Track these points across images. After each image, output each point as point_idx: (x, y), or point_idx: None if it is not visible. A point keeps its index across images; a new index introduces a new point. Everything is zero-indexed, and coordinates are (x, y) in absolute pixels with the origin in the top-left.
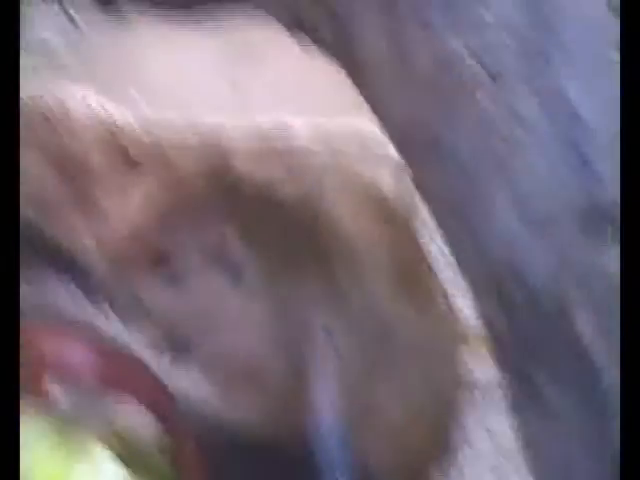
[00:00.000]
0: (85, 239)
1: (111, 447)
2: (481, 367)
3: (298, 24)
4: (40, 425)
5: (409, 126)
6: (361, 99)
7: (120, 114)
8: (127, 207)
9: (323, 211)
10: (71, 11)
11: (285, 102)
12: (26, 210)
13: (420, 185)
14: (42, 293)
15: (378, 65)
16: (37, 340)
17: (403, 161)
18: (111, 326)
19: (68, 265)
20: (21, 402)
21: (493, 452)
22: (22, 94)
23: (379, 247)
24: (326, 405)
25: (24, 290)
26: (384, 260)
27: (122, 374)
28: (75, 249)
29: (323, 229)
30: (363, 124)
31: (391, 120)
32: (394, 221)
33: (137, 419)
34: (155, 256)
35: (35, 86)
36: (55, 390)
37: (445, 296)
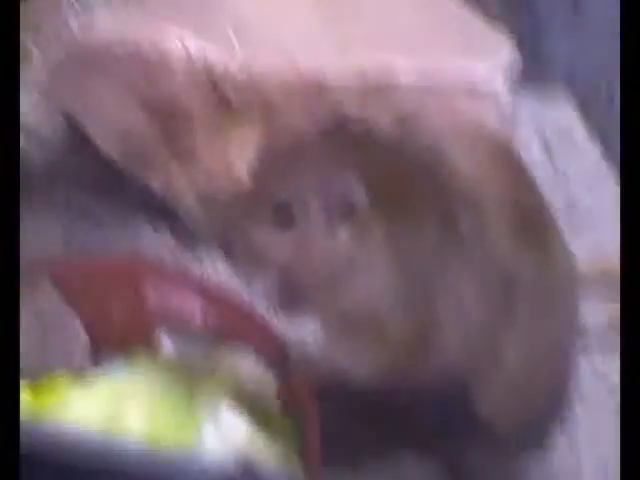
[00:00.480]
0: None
1: (232, 398)
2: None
3: None
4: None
5: None
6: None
7: (218, 56)
8: (230, 153)
9: (440, 152)
10: None
11: (386, 41)
12: (119, 156)
13: None
14: (137, 241)
15: None
16: (143, 288)
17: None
18: (221, 275)
19: (164, 213)
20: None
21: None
22: (115, 35)
23: (499, 191)
24: (447, 356)
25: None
26: (504, 204)
27: (234, 322)
28: (175, 197)
29: (442, 171)
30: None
31: None
32: (511, 165)
33: (251, 367)
34: (267, 204)
35: (128, 27)
36: (166, 342)
37: (563, 244)
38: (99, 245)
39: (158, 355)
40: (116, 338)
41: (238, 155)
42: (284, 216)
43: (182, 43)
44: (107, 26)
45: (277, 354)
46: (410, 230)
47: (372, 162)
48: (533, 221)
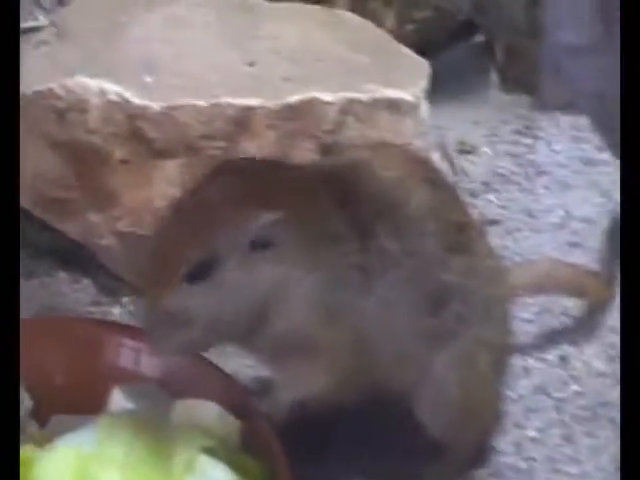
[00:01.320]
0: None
1: (204, 448)
2: None
3: None
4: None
5: None
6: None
7: (135, 96)
8: (152, 191)
9: (357, 164)
10: None
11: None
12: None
13: None
14: (57, 294)
15: None
16: (92, 347)
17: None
18: None
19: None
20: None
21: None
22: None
23: (420, 198)
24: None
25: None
26: (427, 211)
27: (186, 373)
28: (94, 242)
29: (360, 184)
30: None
31: None
32: (429, 174)
33: (214, 414)
34: (180, 267)
35: (38, 76)
36: (120, 400)
37: (489, 248)
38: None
39: (116, 414)
40: (63, 399)
41: (160, 193)
42: (201, 271)
43: (98, 86)
44: None
45: (234, 398)
46: (330, 248)
47: (287, 194)
48: (458, 226)
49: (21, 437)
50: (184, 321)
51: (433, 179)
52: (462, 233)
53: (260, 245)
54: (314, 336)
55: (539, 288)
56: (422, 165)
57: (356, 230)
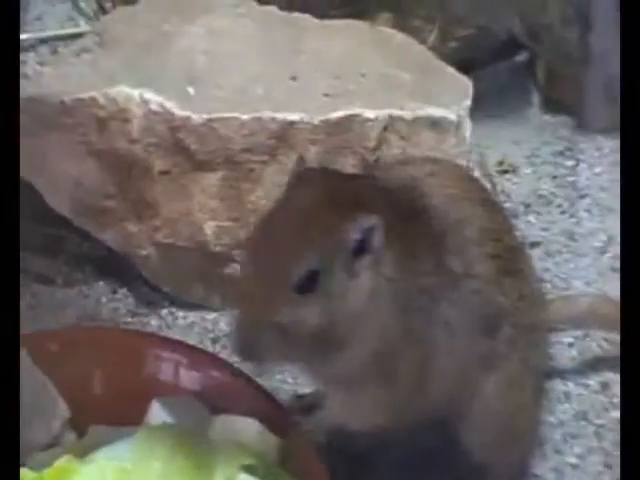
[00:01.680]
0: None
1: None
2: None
3: None
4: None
5: None
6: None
7: (177, 107)
8: (191, 202)
9: (417, 189)
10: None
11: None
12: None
13: None
14: (96, 303)
15: None
16: (133, 359)
17: None
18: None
19: (122, 271)
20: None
21: None
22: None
23: (475, 221)
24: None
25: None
26: (483, 234)
27: (227, 388)
28: (133, 252)
29: (425, 209)
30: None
31: None
32: (480, 194)
33: (253, 430)
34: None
35: (81, 84)
36: (160, 413)
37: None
38: (53, 310)
39: (155, 428)
40: (101, 410)
41: (200, 205)
42: (310, 281)
43: (140, 96)
44: (57, 83)
45: (274, 415)
46: (410, 265)
47: (378, 200)
48: (511, 248)
49: (58, 447)
50: (295, 333)
51: (487, 200)
52: (514, 256)
53: (360, 250)
54: (390, 359)
55: (580, 322)
56: (477, 185)
57: (426, 248)
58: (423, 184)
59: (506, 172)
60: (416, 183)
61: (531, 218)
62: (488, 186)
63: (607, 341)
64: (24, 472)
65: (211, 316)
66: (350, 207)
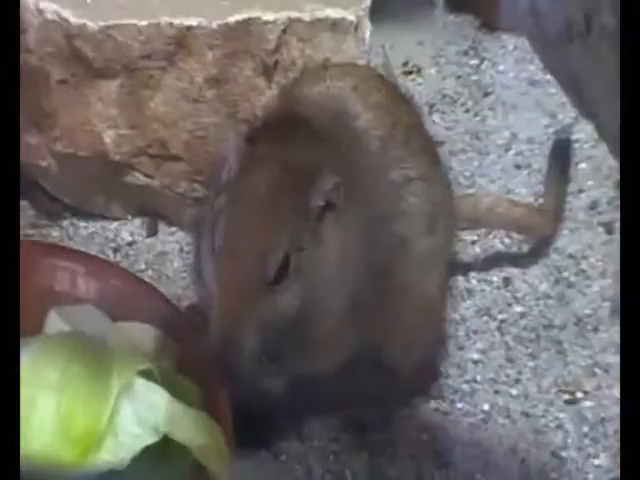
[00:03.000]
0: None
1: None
2: None
3: None
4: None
5: None
6: None
7: (73, 15)
8: (90, 110)
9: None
10: None
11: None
12: None
13: None
14: None
15: None
16: (38, 266)
17: None
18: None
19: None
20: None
21: None
22: None
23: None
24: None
25: None
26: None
27: (125, 294)
28: (34, 163)
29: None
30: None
31: None
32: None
33: (150, 337)
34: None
35: None
36: (57, 322)
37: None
38: None
39: (52, 336)
40: None
41: (99, 113)
42: (282, 271)
43: (35, 5)
44: None
45: (174, 320)
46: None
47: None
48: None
49: None
50: (273, 328)
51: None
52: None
53: (324, 210)
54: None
55: (481, 222)
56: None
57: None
58: (349, 100)
59: (410, 73)
60: (342, 101)
61: (435, 118)
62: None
63: (510, 238)
64: None
65: (112, 225)
66: (305, 176)
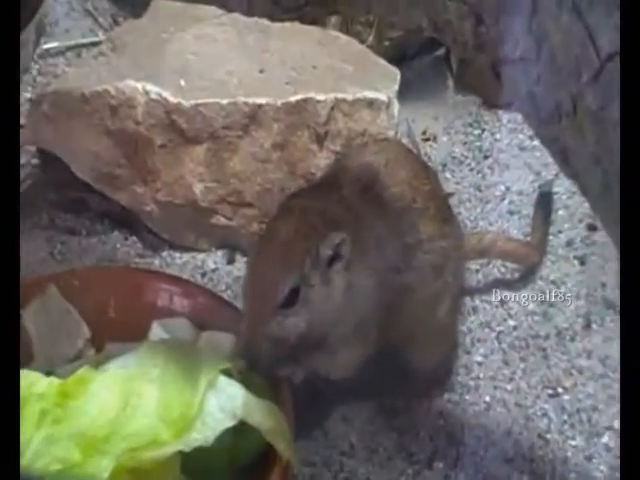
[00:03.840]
0: (149, 205)
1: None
2: None
3: None
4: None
5: None
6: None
7: (171, 95)
8: (183, 168)
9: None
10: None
11: (307, 81)
12: (92, 179)
13: None
14: (111, 249)
15: None
16: (138, 290)
17: None
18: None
19: (131, 223)
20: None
21: None
22: (87, 90)
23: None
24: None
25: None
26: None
27: (211, 310)
28: (139, 208)
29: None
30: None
31: None
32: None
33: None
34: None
35: (97, 79)
36: (158, 331)
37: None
38: (78, 255)
39: (154, 342)
40: (115, 330)
41: (190, 170)
42: (292, 296)
43: (143, 88)
44: (79, 80)
45: None
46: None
47: (343, 217)
48: (442, 203)
49: (80, 360)
50: (283, 342)
51: (425, 167)
52: (445, 207)
53: (332, 260)
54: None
55: (484, 254)
56: (418, 160)
57: (386, 235)
58: (380, 175)
59: (428, 140)
60: (374, 175)
61: (447, 175)
62: (415, 151)
63: (505, 267)
64: (52, 380)
65: (200, 256)
66: (321, 227)
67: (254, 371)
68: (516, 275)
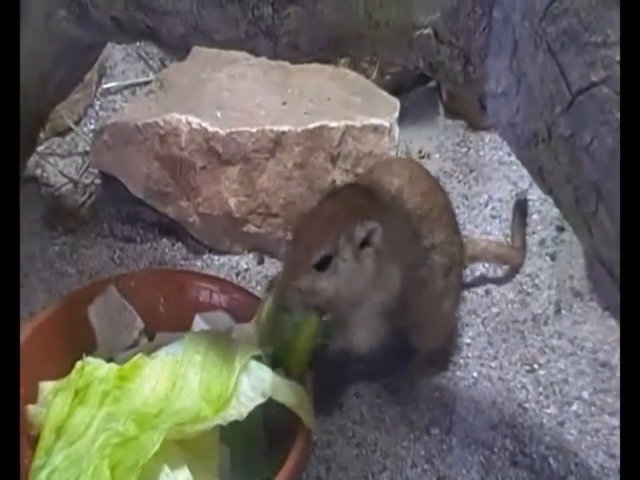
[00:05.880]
0: (192, 216)
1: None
2: None
3: None
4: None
5: None
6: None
7: (210, 125)
8: (220, 187)
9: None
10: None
11: (322, 111)
12: (148, 199)
13: None
14: (161, 254)
15: None
16: (182, 288)
17: None
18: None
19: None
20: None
21: None
22: (140, 122)
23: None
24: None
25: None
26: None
27: (248, 308)
28: (184, 220)
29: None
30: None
31: None
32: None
33: None
34: (309, 259)
35: (148, 113)
36: (200, 323)
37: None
38: (134, 259)
39: (197, 333)
40: (164, 322)
41: (226, 187)
42: (325, 262)
43: (186, 120)
44: (134, 113)
45: None
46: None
47: (378, 214)
48: (449, 213)
49: (135, 348)
50: (312, 297)
51: (436, 184)
52: (452, 217)
53: (365, 244)
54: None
55: (478, 259)
56: (430, 177)
57: (408, 238)
58: (405, 188)
59: (423, 157)
60: (400, 188)
61: None
62: None
63: (489, 265)
64: (112, 365)
65: (235, 258)
66: (359, 214)
67: (285, 312)
68: (499, 272)
